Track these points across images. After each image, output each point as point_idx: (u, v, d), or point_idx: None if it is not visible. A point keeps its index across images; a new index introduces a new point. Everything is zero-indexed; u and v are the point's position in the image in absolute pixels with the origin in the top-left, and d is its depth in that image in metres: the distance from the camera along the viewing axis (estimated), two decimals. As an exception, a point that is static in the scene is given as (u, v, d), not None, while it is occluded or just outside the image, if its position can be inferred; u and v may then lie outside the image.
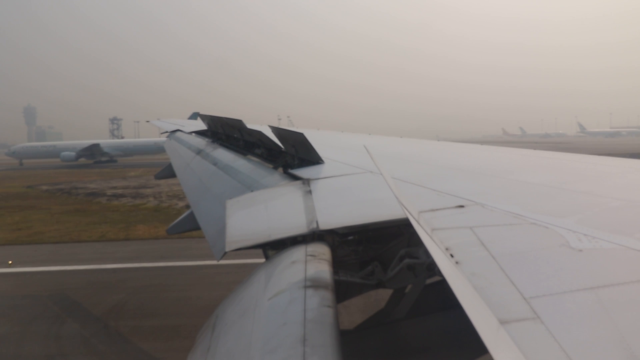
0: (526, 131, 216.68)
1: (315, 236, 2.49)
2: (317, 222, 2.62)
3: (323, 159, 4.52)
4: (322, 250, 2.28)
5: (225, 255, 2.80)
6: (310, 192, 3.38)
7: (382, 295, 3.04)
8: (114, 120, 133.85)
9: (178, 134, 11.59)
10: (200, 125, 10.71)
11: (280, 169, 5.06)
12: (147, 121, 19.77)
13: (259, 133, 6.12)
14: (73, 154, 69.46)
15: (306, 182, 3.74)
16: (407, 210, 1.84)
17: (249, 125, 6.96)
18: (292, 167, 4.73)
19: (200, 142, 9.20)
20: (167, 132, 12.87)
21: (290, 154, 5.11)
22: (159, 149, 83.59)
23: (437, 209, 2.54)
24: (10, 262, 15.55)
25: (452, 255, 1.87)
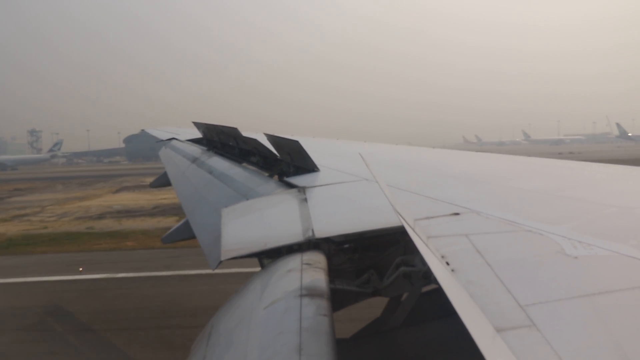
0: (482, 139, 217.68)
1: (311, 244, 2.48)
2: (312, 231, 2.61)
3: (319, 166, 4.52)
4: (317, 259, 2.27)
5: (220, 264, 2.79)
6: (305, 200, 3.38)
7: (378, 304, 3.03)
8: (33, 132, 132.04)
9: (173, 142, 11.57)
10: (196, 134, 10.70)
11: (276, 177, 5.06)
12: (142, 130, 19.56)
13: (254, 141, 6.12)
14: None
15: (302, 190, 3.74)
16: (402, 218, 1.84)
17: (244, 133, 6.96)
18: (288, 175, 4.73)
19: (196, 150, 9.19)
20: (162, 140, 12.85)
21: (285, 162, 5.11)
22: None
23: (432, 217, 2.54)
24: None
25: (447, 263, 1.87)
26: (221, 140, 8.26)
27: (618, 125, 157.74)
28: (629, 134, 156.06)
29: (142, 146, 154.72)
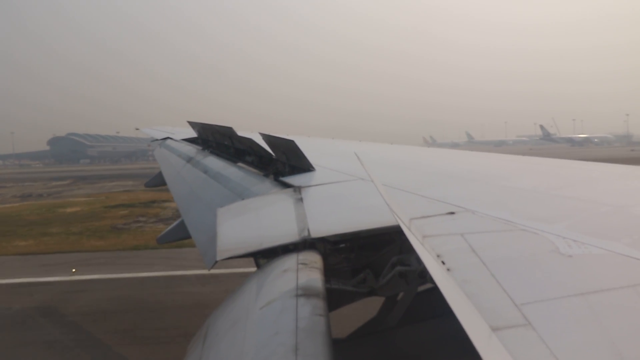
0: (436, 140, 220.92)
1: (306, 244, 2.48)
2: (308, 230, 2.61)
3: (314, 166, 4.52)
4: (313, 259, 2.27)
5: (216, 264, 2.79)
6: (301, 199, 3.38)
7: (374, 303, 3.03)
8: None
9: (168, 141, 11.54)
10: (191, 133, 10.68)
11: (271, 177, 5.05)
12: (137, 129, 19.54)
13: (250, 140, 6.12)
14: None
15: (297, 189, 3.74)
16: (398, 217, 1.84)
17: (240, 133, 6.95)
18: (283, 175, 4.72)
19: (191, 149, 9.17)
20: (157, 139, 12.82)
21: (281, 162, 5.11)
22: None
23: (428, 216, 2.54)
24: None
25: (443, 262, 1.87)
26: (216, 140, 8.24)
27: (542, 127, 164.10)
28: (564, 135, 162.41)
29: (67, 148, 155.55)
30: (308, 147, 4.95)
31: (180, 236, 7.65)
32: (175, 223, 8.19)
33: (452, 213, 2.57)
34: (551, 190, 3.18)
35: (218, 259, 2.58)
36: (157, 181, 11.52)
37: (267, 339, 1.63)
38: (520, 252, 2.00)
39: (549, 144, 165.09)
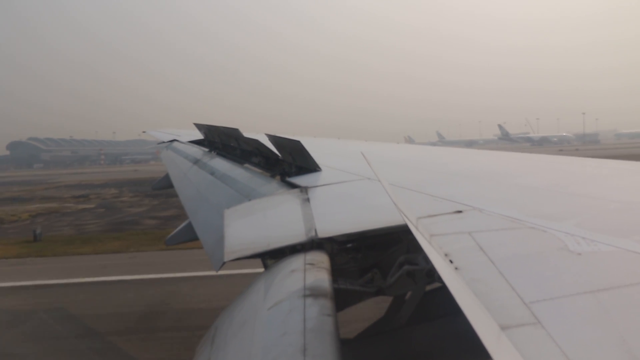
0: (414, 139, 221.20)
1: (314, 244, 2.48)
2: (315, 230, 2.61)
3: (320, 166, 4.52)
4: (320, 259, 2.27)
5: (224, 265, 2.79)
6: (308, 200, 3.38)
7: (382, 303, 3.03)
8: None
9: (175, 143, 11.59)
10: (197, 135, 10.72)
11: (278, 177, 5.06)
12: (144, 131, 19.57)
13: (256, 142, 6.13)
14: None
15: (304, 190, 3.74)
16: (405, 216, 1.83)
17: (246, 134, 6.97)
18: (290, 175, 4.73)
19: (197, 151, 9.20)
20: (163, 142, 12.87)
21: (287, 162, 5.12)
22: None
23: (435, 215, 2.54)
24: None
25: (451, 261, 1.87)
26: (222, 142, 8.27)
27: (500, 126, 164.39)
28: (529, 135, 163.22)
29: (26, 153, 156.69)
30: (314, 148, 4.95)
31: (188, 238, 7.68)
32: (183, 225, 8.22)
33: (460, 212, 2.55)
34: (559, 187, 3.16)
35: (226, 260, 2.59)
36: (164, 183, 11.56)
37: (275, 340, 1.64)
38: (528, 250, 1.98)
39: (508, 144, 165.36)
